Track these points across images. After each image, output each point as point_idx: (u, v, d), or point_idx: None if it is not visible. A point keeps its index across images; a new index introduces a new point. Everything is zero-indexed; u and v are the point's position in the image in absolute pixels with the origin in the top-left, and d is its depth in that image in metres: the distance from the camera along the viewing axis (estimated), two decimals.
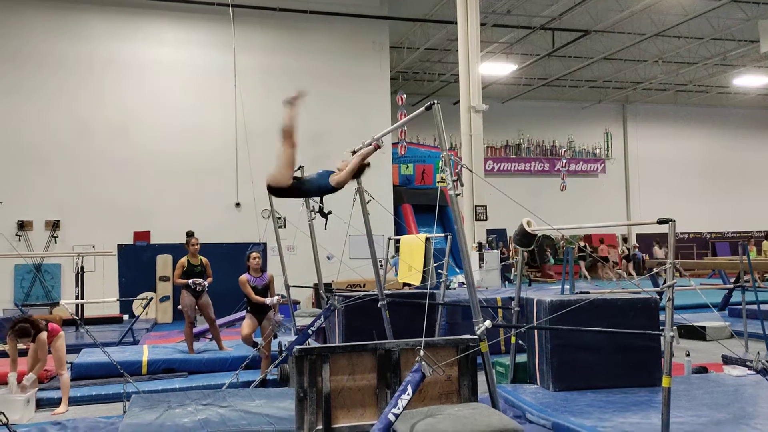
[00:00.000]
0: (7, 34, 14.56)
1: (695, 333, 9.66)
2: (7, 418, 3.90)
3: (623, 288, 10.85)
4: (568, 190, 23.03)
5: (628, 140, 26.54)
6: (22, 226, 14.49)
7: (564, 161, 23.65)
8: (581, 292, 7.76)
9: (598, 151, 26.18)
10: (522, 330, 6.28)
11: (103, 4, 14.95)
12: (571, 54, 20.17)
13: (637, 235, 25.38)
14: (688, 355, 7.01)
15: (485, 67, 18.37)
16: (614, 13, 17.00)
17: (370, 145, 5.45)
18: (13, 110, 14.47)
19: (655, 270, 10.45)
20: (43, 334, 6.48)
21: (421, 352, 3.81)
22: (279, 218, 9.60)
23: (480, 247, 12.14)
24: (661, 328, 5.25)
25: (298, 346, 4.20)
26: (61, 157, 14.69)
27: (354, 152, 5.47)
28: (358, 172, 5.37)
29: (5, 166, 14.22)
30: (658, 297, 6.65)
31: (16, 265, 13.90)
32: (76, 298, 12.62)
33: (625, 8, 16.63)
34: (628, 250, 23.04)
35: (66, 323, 12.75)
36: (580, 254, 19.70)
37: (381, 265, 9.76)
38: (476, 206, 12.35)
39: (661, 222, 4.53)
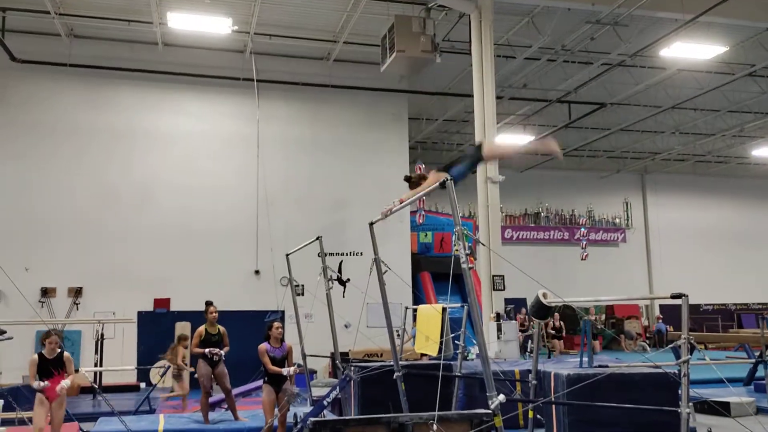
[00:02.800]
0: (37, 104, 15.19)
1: (720, 409, 9.39)
2: None
3: (643, 362, 10.64)
4: (589, 259, 22.92)
5: (648, 210, 26.51)
6: (46, 292, 14.72)
7: (584, 230, 23.63)
8: (600, 366, 7.67)
9: (618, 220, 26.15)
10: (539, 404, 6.21)
11: (131, 78, 15.60)
12: (588, 125, 20.48)
13: (660, 306, 24.99)
14: (709, 431, 6.84)
15: (503, 138, 18.70)
16: (629, 87, 17.35)
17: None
18: (40, 178, 14.92)
19: (674, 343, 10.27)
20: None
21: (435, 426, 3.82)
22: (297, 286, 9.71)
23: (498, 317, 12.05)
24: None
25: (313, 419, 4.22)
26: (85, 224, 15.03)
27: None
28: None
29: (31, 233, 14.57)
30: (676, 371, 6.56)
31: (38, 331, 14.03)
32: (96, 365, 12.69)
33: (639, 82, 16.99)
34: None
35: (84, 390, 12.84)
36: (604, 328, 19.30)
37: (398, 335, 9.76)
38: (494, 276, 12.33)
39: (674, 296, 4.55)
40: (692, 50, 14.33)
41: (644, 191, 26.72)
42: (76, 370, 13.18)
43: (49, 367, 7.08)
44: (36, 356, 7.09)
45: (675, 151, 23.76)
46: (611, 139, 22.12)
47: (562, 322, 18.51)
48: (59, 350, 7.18)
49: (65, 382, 7.07)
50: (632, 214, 26.26)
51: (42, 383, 6.94)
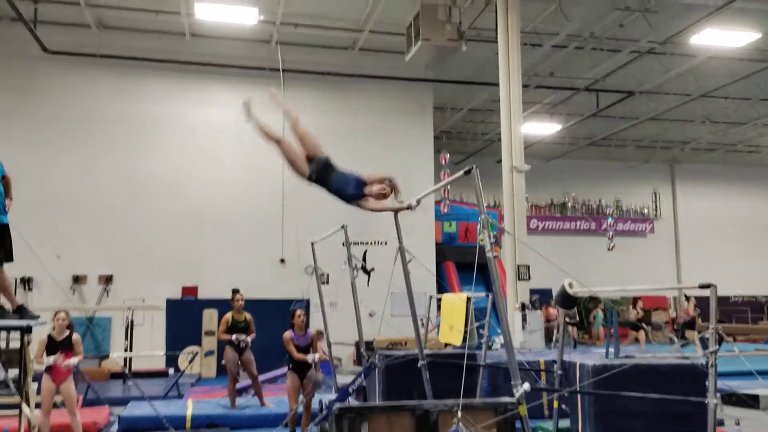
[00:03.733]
0: (68, 94, 15.45)
1: (749, 401, 9.28)
2: None
3: (670, 353, 10.55)
4: (615, 250, 22.67)
5: (678, 200, 26.11)
6: (77, 279, 15.04)
7: (611, 220, 23.38)
8: (626, 356, 7.62)
9: (646, 210, 25.81)
10: (564, 394, 6.20)
11: (159, 68, 15.79)
12: (616, 114, 20.21)
13: (685, 296, 24.63)
14: (737, 423, 6.77)
15: (529, 127, 18.56)
16: (659, 75, 17.06)
17: (408, 207, 5.59)
18: (72, 167, 15.22)
19: (701, 334, 10.16)
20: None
21: (459, 414, 3.84)
22: (322, 275, 9.78)
23: (523, 307, 12.02)
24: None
25: (338, 404, 4.27)
26: (115, 213, 15.30)
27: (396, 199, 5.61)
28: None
29: (63, 221, 14.87)
30: (704, 362, 6.50)
31: (70, 318, 14.34)
32: (125, 351, 12.96)
33: (669, 70, 16.70)
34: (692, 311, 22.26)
35: (114, 376, 13.13)
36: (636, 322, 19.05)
37: (422, 324, 9.78)
38: (519, 266, 12.29)
39: (702, 286, 4.50)
40: (723, 37, 14.05)
41: (673, 181, 26.32)
42: (107, 356, 13.57)
43: (58, 348, 6.97)
44: (45, 336, 7.03)
45: (705, 140, 23.34)
46: (640, 128, 21.79)
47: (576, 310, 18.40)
48: (68, 332, 7.06)
49: (71, 360, 6.96)
50: (661, 205, 25.89)
51: (50, 359, 6.83)
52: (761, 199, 26.40)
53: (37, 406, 6.83)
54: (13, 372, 7.83)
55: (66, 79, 15.48)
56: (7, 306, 5.63)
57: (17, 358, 6.14)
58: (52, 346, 6.99)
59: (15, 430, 6.48)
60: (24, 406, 5.46)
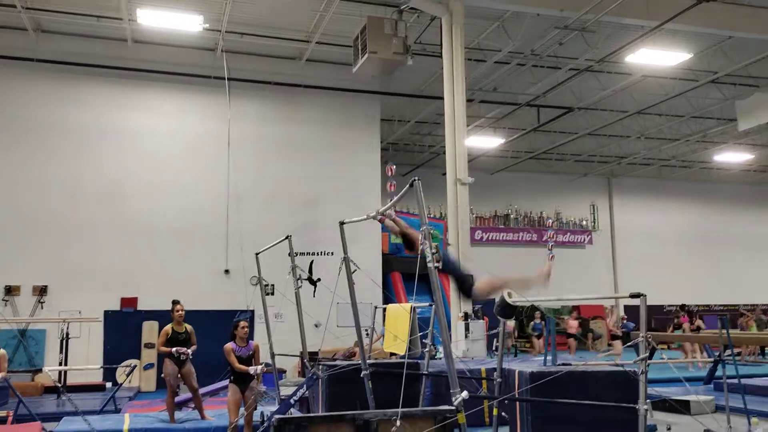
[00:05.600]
0: (6, 98, 14.93)
1: (680, 407, 9.65)
2: None
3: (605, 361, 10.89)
4: (556, 260, 23.20)
5: (615, 212, 27.01)
6: (10, 290, 14.46)
7: (551, 232, 23.97)
8: (563, 364, 7.83)
9: (584, 222, 26.58)
10: (504, 401, 6.32)
11: (101, 75, 15.40)
12: (557, 129, 20.81)
13: (625, 306, 25.45)
14: (669, 429, 7.04)
15: (473, 140, 18.90)
16: (596, 92, 17.68)
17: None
18: (5, 174, 14.67)
19: (632, 341, 10.51)
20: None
21: (398, 423, 3.89)
22: (267, 285, 9.70)
23: (466, 317, 12.20)
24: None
25: (278, 416, 4.26)
26: (52, 222, 14.80)
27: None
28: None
29: None
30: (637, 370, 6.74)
31: (0, 330, 13.78)
32: (60, 364, 12.51)
33: (606, 87, 17.33)
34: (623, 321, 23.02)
35: (48, 390, 12.66)
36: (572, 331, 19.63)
37: (367, 334, 9.82)
38: None
39: (633, 296, 4.69)
40: (657, 57, 14.66)
41: (610, 194, 27.22)
42: (40, 370, 13.07)
43: None
44: None
45: (640, 155, 24.23)
46: (579, 142, 22.49)
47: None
48: None
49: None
50: (599, 217, 26.72)
51: None
52: (694, 212, 27.57)
53: None
54: None
55: (2, 84, 14.94)
56: None
57: None
58: None
59: None
60: None
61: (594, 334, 22.02)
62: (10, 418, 9.30)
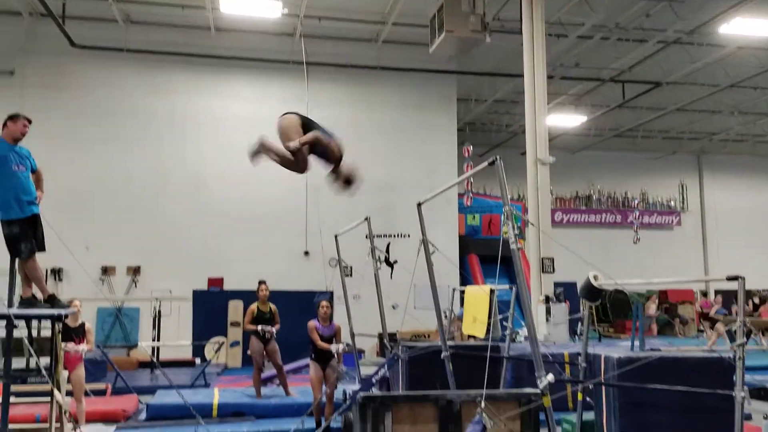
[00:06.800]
0: (96, 89, 15.68)
1: None
2: None
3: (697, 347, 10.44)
4: (641, 243, 22.43)
5: (705, 192, 25.70)
6: (106, 271, 15.30)
7: (637, 213, 23.10)
8: (652, 350, 7.56)
9: (672, 203, 25.47)
10: (589, 386, 6.18)
11: (185, 63, 15.94)
12: (643, 105, 19.96)
13: (715, 291, 24.30)
14: (766, 417, 6.67)
15: (554, 119, 18.40)
16: (686, 65, 16.80)
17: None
18: (101, 161, 15.45)
19: (728, 327, 10.04)
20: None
21: (482, 404, 3.86)
22: (346, 267, 9.83)
23: (547, 300, 11.97)
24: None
25: (362, 394, 4.31)
26: (143, 205, 15.52)
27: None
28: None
29: (92, 212, 15.11)
30: (732, 356, 6.42)
31: (99, 308, 14.62)
32: (153, 341, 13.17)
33: (697, 60, 16.44)
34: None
35: (142, 365, 13.37)
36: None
37: (445, 316, 9.80)
38: (543, 258, 12.23)
39: (730, 279, 4.45)
40: (753, 26, 13.77)
41: (701, 172, 25.90)
42: (135, 346, 13.81)
43: (71, 334, 7.16)
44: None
45: (733, 131, 22.93)
46: (666, 119, 21.49)
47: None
48: (81, 320, 7.31)
49: (82, 346, 7.21)
50: (688, 197, 25.52)
51: (67, 346, 6.98)
52: None
53: (68, 393, 7.01)
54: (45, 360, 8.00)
55: (94, 74, 15.71)
56: (39, 295, 5.76)
57: (48, 346, 6.28)
58: (66, 332, 7.15)
59: (45, 417, 6.65)
60: (56, 392, 5.59)
61: (681, 319, 21.14)
62: (109, 390, 9.90)
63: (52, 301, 5.68)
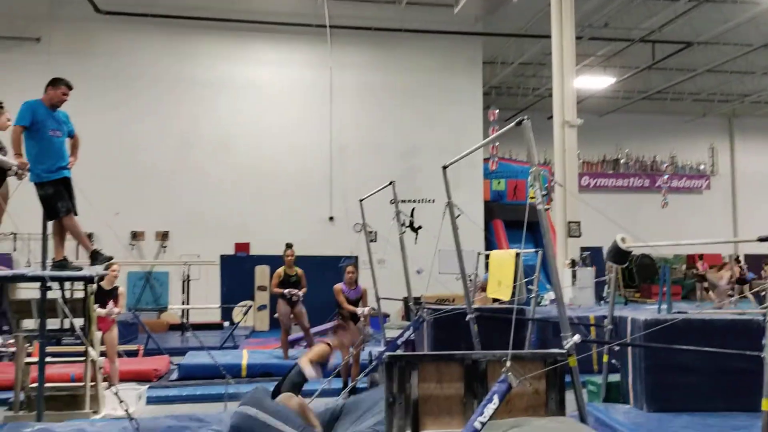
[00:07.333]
0: (121, 54, 15.74)
1: None
2: (128, 410, 4.29)
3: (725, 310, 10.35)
4: (669, 207, 22.11)
5: (736, 155, 25.17)
6: (135, 235, 15.56)
7: (665, 177, 22.72)
8: (679, 312, 7.51)
9: (702, 166, 24.98)
10: (615, 347, 6.17)
11: (209, 27, 15.91)
12: (673, 66, 19.46)
13: (745, 255, 23.95)
14: None
15: (581, 81, 18.04)
16: (718, 24, 16.30)
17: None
18: (128, 127, 15.59)
19: (757, 288, 9.91)
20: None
21: (508, 363, 3.87)
22: (370, 232, 9.87)
23: (573, 263, 11.91)
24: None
25: (389, 353, 4.36)
26: (170, 171, 15.68)
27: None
28: None
29: (122, 179, 15.31)
30: (762, 318, 6.35)
31: (129, 272, 14.90)
32: (182, 304, 13.42)
33: (729, 19, 15.93)
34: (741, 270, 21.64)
35: (172, 327, 13.66)
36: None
37: (470, 280, 9.81)
38: (569, 222, 12.14)
39: (762, 239, 4.38)
40: None
41: (732, 135, 25.32)
42: (165, 309, 14.10)
43: (105, 297, 7.37)
44: (95, 285, 7.22)
45: (766, 93, 22.30)
46: (697, 80, 20.95)
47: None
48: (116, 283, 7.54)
49: (115, 309, 7.44)
50: (718, 160, 25.01)
51: (101, 310, 7.19)
52: None
53: (102, 354, 7.21)
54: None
55: (119, 40, 15.76)
56: (82, 254, 5.91)
57: (81, 307, 6.44)
58: (100, 294, 7.35)
59: (80, 377, 6.86)
60: (91, 350, 5.75)
61: (710, 283, 20.90)
62: (141, 352, 10.16)
63: (95, 256, 5.79)
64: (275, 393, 5.00)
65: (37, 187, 5.64)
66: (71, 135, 5.94)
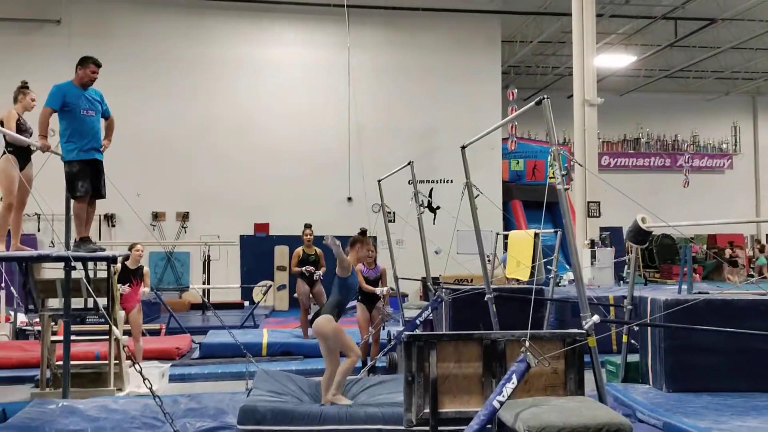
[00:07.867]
0: (141, 36, 15.80)
1: None
2: (151, 387, 4.37)
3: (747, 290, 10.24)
4: (691, 187, 21.83)
5: (760, 134, 24.75)
6: (156, 216, 15.74)
7: (687, 156, 22.43)
8: (700, 293, 7.46)
9: (724, 145, 24.61)
10: (634, 327, 6.15)
11: (227, 8, 15.92)
12: (696, 44, 19.10)
13: (767, 235, 23.66)
14: None
15: (602, 59, 17.78)
16: (743, 0, 15.94)
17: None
18: (148, 108, 15.68)
19: None
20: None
21: (527, 343, 3.89)
22: (389, 213, 9.88)
23: (592, 244, 11.85)
24: None
25: (408, 332, 4.39)
26: (189, 152, 15.79)
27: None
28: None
29: (142, 160, 15.43)
30: None
31: (150, 252, 15.09)
32: (203, 284, 13.59)
33: None
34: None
35: (193, 307, 13.84)
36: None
37: (489, 260, 9.81)
38: (589, 202, 12.06)
39: None
40: None
41: (755, 114, 24.87)
42: (187, 288, 14.28)
43: (130, 276, 7.46)
44: (120, 265, 7.34)
45: None
46: (720, 58, 20.56)
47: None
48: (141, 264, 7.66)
49: (146, 289, 7.61)
50: (741, 139, 24.61)
51: (124, 288, 7.27)
52: None
53: (125, 333, 7.34)
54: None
55: (139, 21, 15.82)
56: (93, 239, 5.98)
57: (104, 287, 6.55)
58: (125, 273, 7.44)
59: (105, 355, 7.00)
60: (115, 329, 5.85)
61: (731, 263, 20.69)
62: (163, 330, 10.32)
63: (81, 242, 5.78)
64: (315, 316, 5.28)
65: (65, 165, 5.70)
66: (106, 116, 5.98)
